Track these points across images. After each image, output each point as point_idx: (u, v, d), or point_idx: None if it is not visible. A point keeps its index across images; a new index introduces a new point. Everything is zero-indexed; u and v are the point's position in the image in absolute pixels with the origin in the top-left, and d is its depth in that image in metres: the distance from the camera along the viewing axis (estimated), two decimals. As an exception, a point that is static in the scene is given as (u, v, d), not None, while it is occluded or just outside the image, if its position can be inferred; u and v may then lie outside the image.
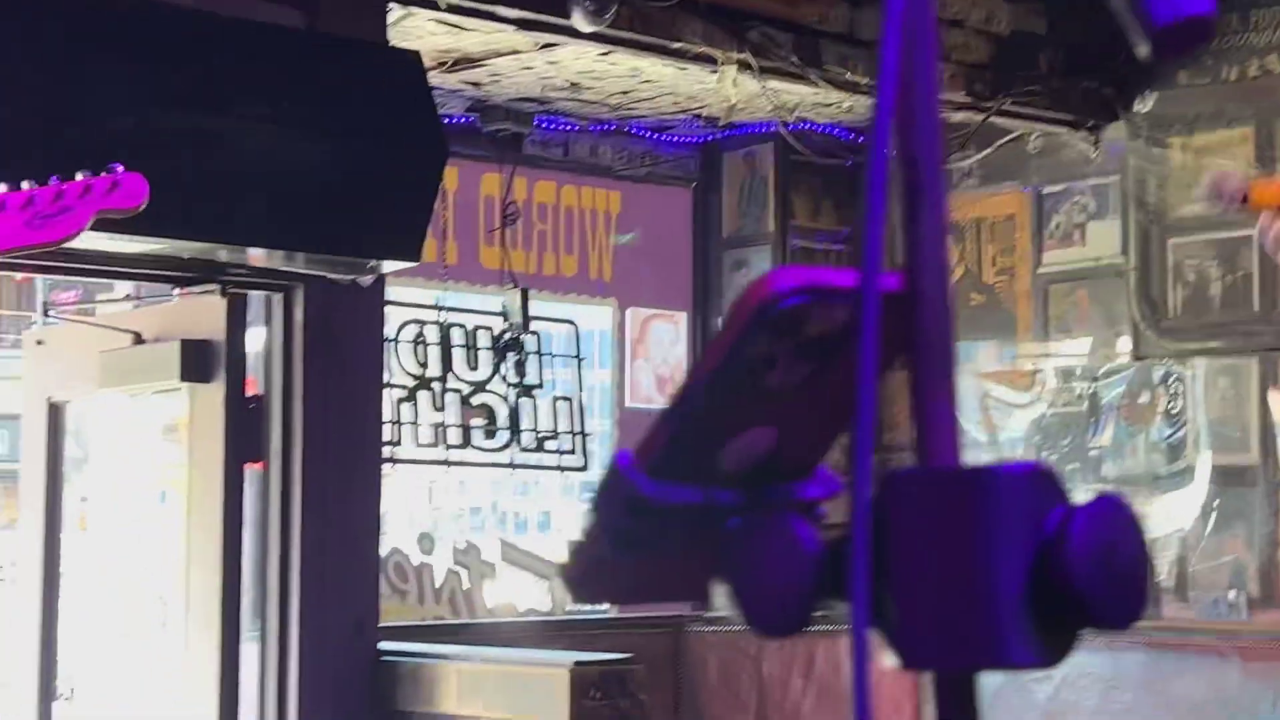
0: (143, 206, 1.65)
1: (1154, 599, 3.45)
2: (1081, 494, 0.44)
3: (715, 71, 3.10)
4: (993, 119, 3.63)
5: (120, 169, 1.65)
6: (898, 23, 0.42)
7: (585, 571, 0.57)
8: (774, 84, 3.21)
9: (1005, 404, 3.80)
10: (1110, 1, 0.47)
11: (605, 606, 3.53)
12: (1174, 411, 3.48)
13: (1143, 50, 0.47)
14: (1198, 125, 3.46)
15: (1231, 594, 3.27)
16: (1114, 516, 0.43)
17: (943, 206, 0.44)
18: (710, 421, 0.49)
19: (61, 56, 2.42)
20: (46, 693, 2.83)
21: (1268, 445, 3.34)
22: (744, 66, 3.05)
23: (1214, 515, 3.38)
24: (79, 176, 1.62)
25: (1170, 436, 3.51)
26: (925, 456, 0.43)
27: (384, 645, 2.79)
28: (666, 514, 0.49)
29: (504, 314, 3.40)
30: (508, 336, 3.35)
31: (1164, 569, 3.39)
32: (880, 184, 0.42)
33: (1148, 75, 3.51)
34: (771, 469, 0.50)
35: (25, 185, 1.60)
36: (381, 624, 2.93)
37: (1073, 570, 0.41)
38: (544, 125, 3.75)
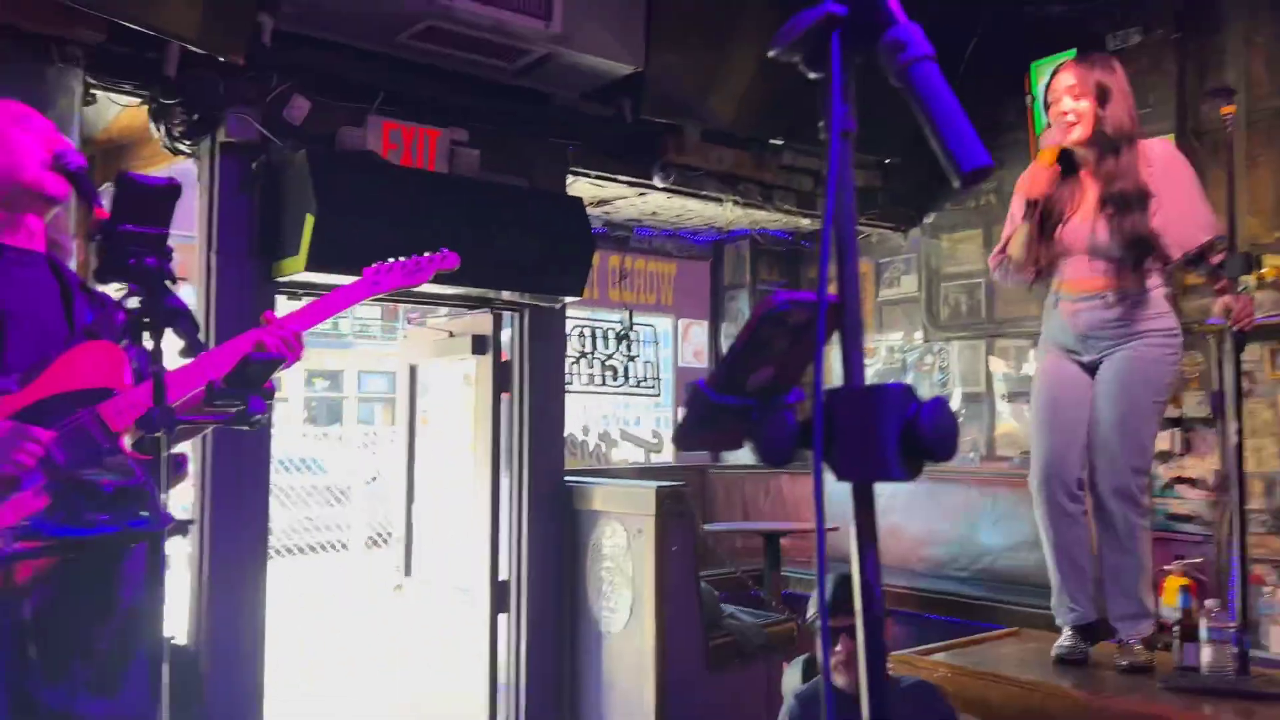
0: (457, 268, 2.25)
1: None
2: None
3: (722, 205, 4.89)
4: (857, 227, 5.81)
5: (445, 250, 2.26)
6: (835, 173, 0.77)
7: (683, 436, 0.98)
8: (750, 211, 5.07)
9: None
10: (937, 153, 0.75)
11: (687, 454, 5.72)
12: (943, 367, 5.44)
13: (954, 183, 0.75)
14: (954, 229, 5.50)
15: (971, 453, 5.41)
16: (940, 406, 0.72)
17: (855, 264, 0.75)
18: (742, 364, 0.80)
19: (415, 201, 3.61)
20: (409, 498, 4.75)
21: (989, 385, 5.26)
22: (735, 203, 4.87)
23: (962, 415, 5.45)
24: (426, 254, 2.22)
25: (941, 379, 5.49)
26: (849, 380, 0.72)
27: (567, 478, 4.36)
28: (721, 409, 0.81)
29: (621, 321, 5.67)
30: (623, 331, 5.63)
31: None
32: (826, 251, 0.75)
33: (930, 205, 5.49)
34: (772, 389, 0.80)
35: (402, 259, 2.19)
36: (565, 469, 4.50)
37: (922, 433, 0.70)
38: (639, 232, 5.96)
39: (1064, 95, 2.85)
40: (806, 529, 5.68)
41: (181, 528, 1.53)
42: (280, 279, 3.53)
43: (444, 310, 4.62)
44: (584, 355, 5.52)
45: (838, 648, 2.61)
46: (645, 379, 5.96)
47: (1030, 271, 2.99)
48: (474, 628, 4.24)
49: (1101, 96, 2.83)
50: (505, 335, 4.41)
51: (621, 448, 6.10)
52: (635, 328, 5.90)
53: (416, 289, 2.22)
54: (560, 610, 4.26)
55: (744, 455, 6.21)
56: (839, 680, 2.64)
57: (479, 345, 4.38)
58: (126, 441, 1.82)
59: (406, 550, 4.80)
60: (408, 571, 4.77)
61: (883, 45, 0.72)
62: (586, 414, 6.07)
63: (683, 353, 6.41)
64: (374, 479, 13.46)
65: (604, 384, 5.62)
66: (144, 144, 3.78)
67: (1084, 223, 2.88)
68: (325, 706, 5.67)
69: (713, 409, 0.81)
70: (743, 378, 0.80)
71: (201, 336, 1.77)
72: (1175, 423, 4.55)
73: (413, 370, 4.77)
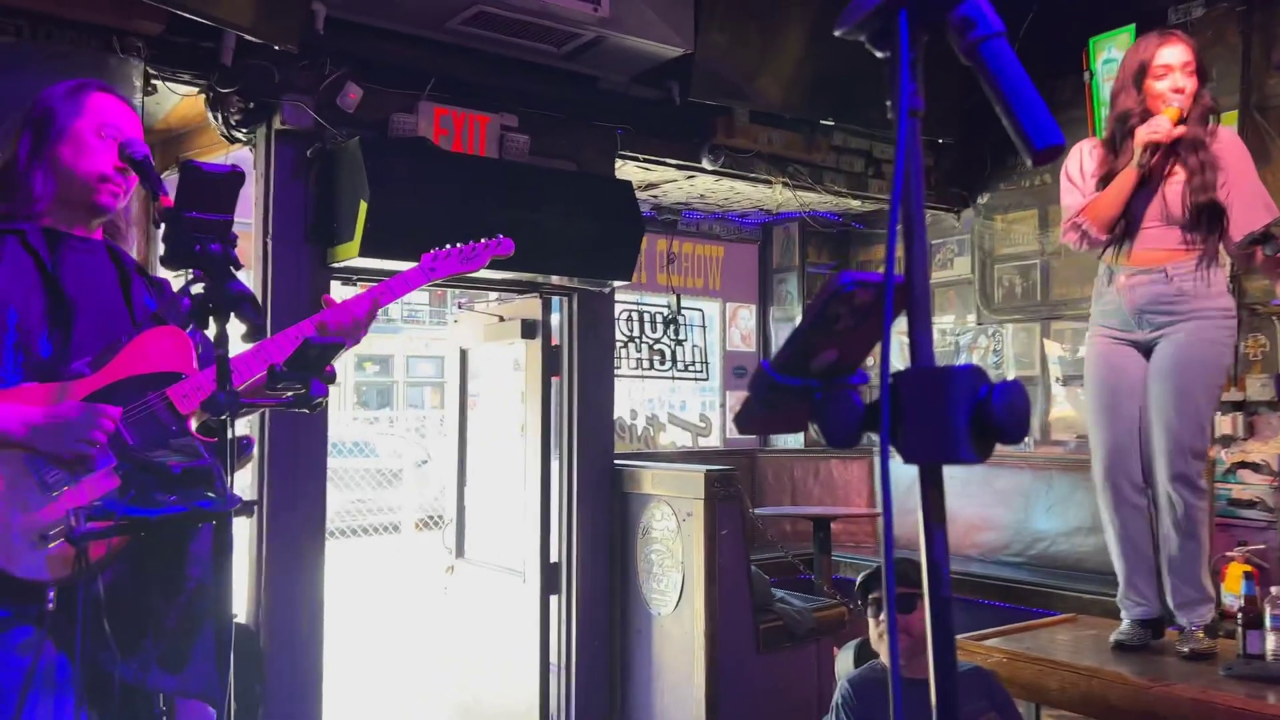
0: (511, 254, 2.31)
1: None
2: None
3: (771, 187, 4.84)
4: None
5: (501, 237, 2.31)
6: (902, 152, 0.73)
7: (746, 418, 0.85)
8: (799, 193, 4.96)
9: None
10: (1009, 130, 0.73)
11: (736, 438, 5.77)
12: (997, 349, 5.35)
13: (1027, 161, 0.73)
14: (1008, 210, 5.38)
15: (1027, 440, 5.31)
16: (1012, 389, 0.71)
17: (923, 244, 0.71)
18: (806, 345, 0.78)
19: (466, 187, 3.62)
20: (461, 481, 4.79)
21: (1044, 368, 5.20)
22: (785, 185, 4.81)
23: None
24: (482, 240, 2.28)
25: (995, 362, 5.41)
26: (916, 361, 0.72)
27: (616, 462, 4.38)
28: (785, 389, 0.80)
29: (669, 305, 5.67)
30: (670, 316, 5.63)
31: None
32: (894, 230, 0.70)
33: (983, 186, 5.39)
34: (835, 370, 0.80)
35: (459, 245, 2.25)
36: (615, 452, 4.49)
37: (994, 415, 0.69)
38: (687, 215, 5.94)
39: (1177, 71, 2.84)
40: (858, 514, 5.66)
41: (248, 508, 1.56)
42: (335, 265, 3.58)
43: (493, 295, 4.62)
44: (632, 339, 5.54)
45: (882, 618, 2.61)
46: (693, 363, 5.97)
47: (1107, 234, 2.94)
48: (525, 608, 4.29)
49: (1203, 75, 2.86)
50: (554, 319, 4.44)
51: (669, 431, 6.11)
52: (683, 312, 5.89)
53: (467, 275, 2.25)
54: (610, 592, 4.30)
55: (793, 439, 6.18)
56: (886, 659, 2.66)
57: (528, 330, 4.41)
58: (193, 424, 1.86)
59: (459, 532, 4.86)
60: (459, 553, 4.84)
61: (952, 22, 0.71)
62: (633, 398, 6.07)
63: (730, 337, 6.40)
64: (424, 462, 13.64)
65: (651, 368, 5.64)
66: (201, 132, 3.85)
67: (1154, 192, 2.87)
68: (380, 684, 5.78)
69: (776, 390, 0.80)
70: (807, 359, 0.80)
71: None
72: (1238, 406, 4.45)
73: (463, 354, 4.82)
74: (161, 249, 1.64)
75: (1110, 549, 3.05)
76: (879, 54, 0.75)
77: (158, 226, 1.88)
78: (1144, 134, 2.85)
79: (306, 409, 1.76)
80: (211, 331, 1.63)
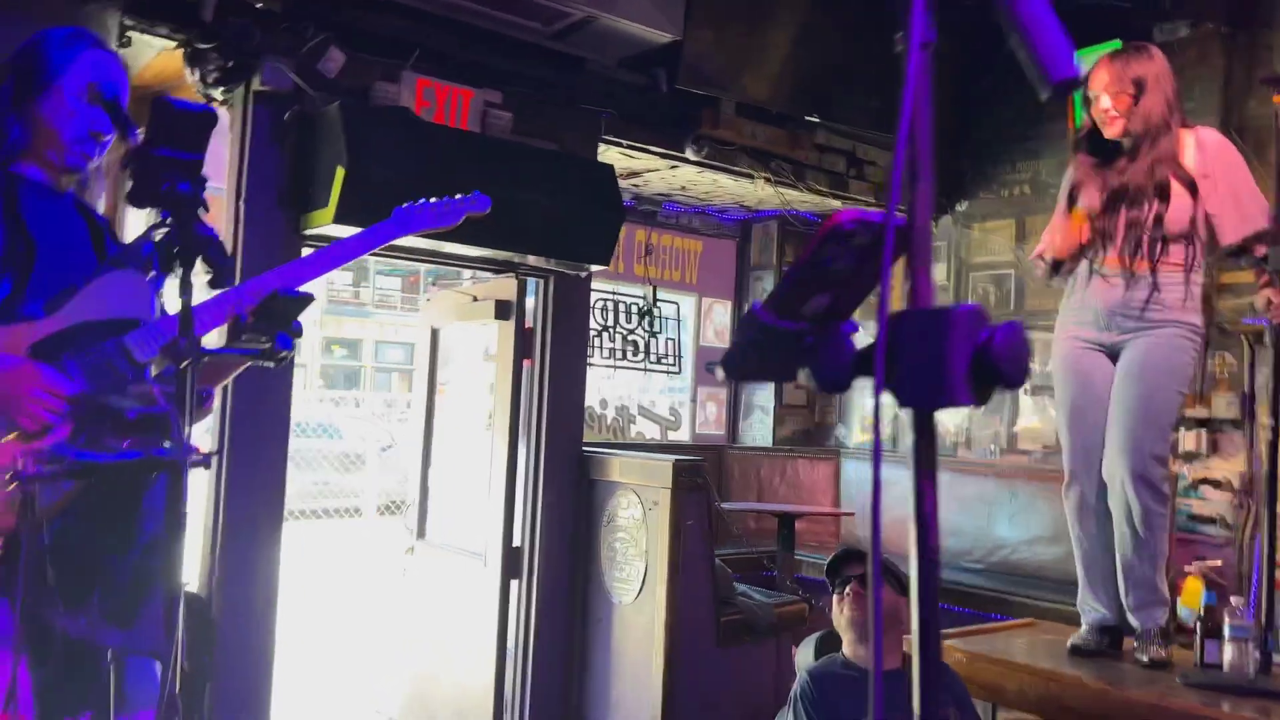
0: (488, 211, 2.28)
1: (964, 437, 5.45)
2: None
3: (753, 182, 4.80)
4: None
5: (477, 193, 2.29)
6: (912, 85, 0.73)
7: (734, 361, 0.88)
8: (781, 190, 4.94)
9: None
10: (1024, 65, 0.72)
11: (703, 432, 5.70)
12: None
13: (1041, 94, 0.74)
14: (985, 218, 5.43)
15: (991, 446, 5.36)
16: (1014, 330, 0.70)
17: (928, 185, 0.74)
18: (800, 288, 0.79)
19: (446, 159, 3.46)
20: (425, 462, 4.68)
21: None
22: (767, 180, 4.77)
23: (983, 409, 5.43)
24: (458, 196, 2.25)
25: None
26: (915, 303, 0.72)
27: (584, 448, 4.32)
28: (776, 334, 0.80)
29: (644, 297, 5.64)
30: (645, 307, 5.59)
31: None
32: (899, 168, 0.73)
33: (961, 194, 5.43)
34: (827, 316, 0.80)
35: (433, 199, 2.20)
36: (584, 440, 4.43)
37: (994, 358, 0.68)
38: (667, 207, 5.88)
39: (1102, 93, 2.87)
40: (823, 512, 5.66)
41: (205, 460, 1.51)
42: (308, 231, 3.51)
43: (468, 276, 4.56)
44: (606, 329, 5.50)
45: (846, 591, 2.61)
46: (666, 356, 5.94)
47: (1070, 261, 3.00)
48: (485, 592, 4.23)
49: (1138, 90, 2.84)
50: (529, 303, 4.40)
51: (639, 423, 6.08)
52: (658, 304, 5.86)
53: (442, 250, 2.19)
54: (572, 579, 4.26)
55: (761, 437, 6.16)
56: (848, 648, 2.65)
57: (502, 310, 4.33)
58: (151, 373, 1.80)
59: (420, 513, 4.80)
60: (420, 534, 4.78)
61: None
62: (604, 389, 6.03)
63: (704, 332, 6.38)
64: (388, 447, 13.52)
65: (624, 358, 5.60)
66: (177, 90, 3.76)
67: (1135, 205, 2.88)
68: (335, 663, 5.71)
69: (767, 333, 0.77)
70: (799, 303, 0.77)
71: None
72: (1203, 424, 4.49)
73: (434, 333, 4.76)
74: (129, 186, 1.58)
75: (1075, 552, 3.05)
76: (891, -14, 0.72)
77: (125, 169, 1.82)
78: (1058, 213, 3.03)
79: (271, 363, 1.71)
80: (178, 274, 1.57)
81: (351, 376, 24.61)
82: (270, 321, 1.69)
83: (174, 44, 3.38)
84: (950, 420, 5.74)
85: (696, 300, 6.30)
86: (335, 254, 1.94)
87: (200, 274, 1.60)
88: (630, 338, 5.63)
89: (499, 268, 4.26)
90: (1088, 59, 4.94)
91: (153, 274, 1.91)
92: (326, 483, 12.68)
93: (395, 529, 11.43)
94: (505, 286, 4.36)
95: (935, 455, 0.71)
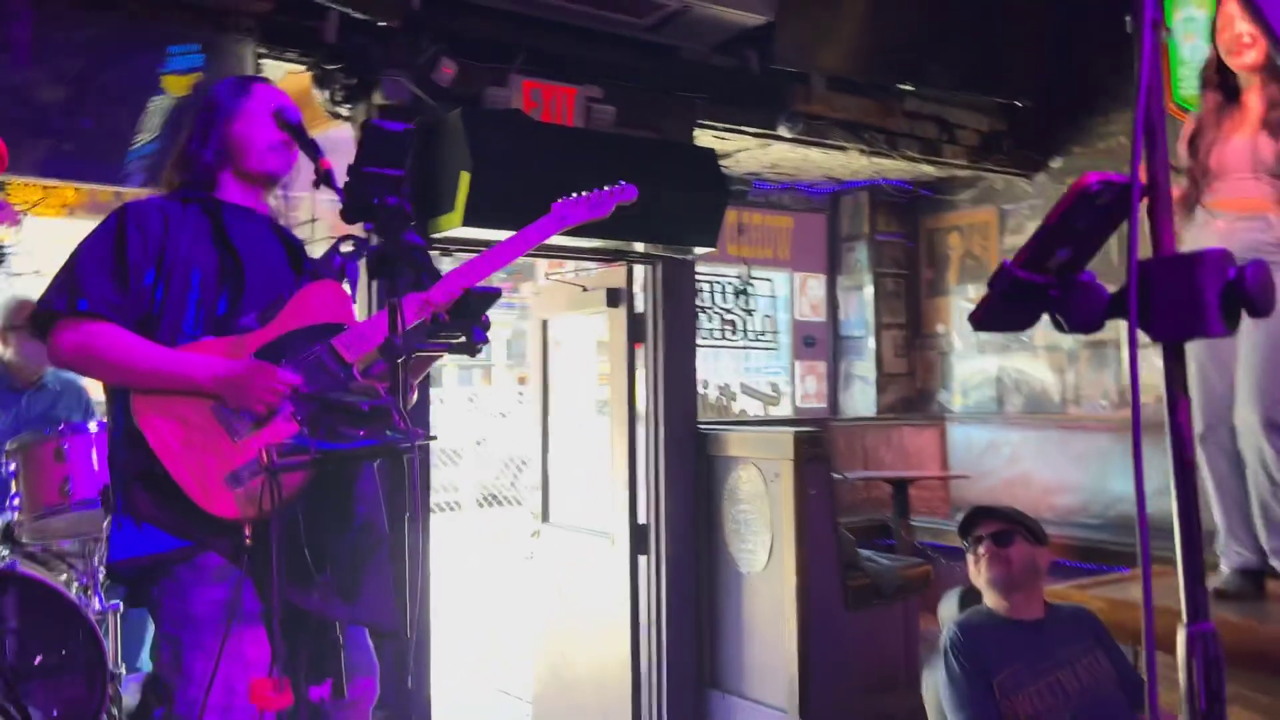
0: (635, 199, 2.35)
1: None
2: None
3: (846, 154, 4.92)
4: (980, 173, 5.54)
5: (624, 183, 2.36)
6: (1147, 64, 0.85)
7: (985, 313, 0.94)
8: (874, 160, 5.06)
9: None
10: (1264, 32, 0.86)
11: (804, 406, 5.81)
12: None
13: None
14: (1081, 174, 5.47)
15: (1102, 400, 5.33)
16: (1261, 267, 0.79)
17: (1164, 149, 0.83)
18: (1048, 243, 0.88)
19: (559, 157, 3.67)
20: (545, 448, 5.10)
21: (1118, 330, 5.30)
22: (861, 152, 4.88)
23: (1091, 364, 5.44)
24: (607, 188, 2.33)
25: None
26: (1159, 252, 0.82)
27: (700, 425, 4.44)
28: (1025, 285, 0.90)
29: (739, 276, 5.79)
30: (741, 286, 5.73)
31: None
32: (1140, 135, 0.83)
33: (1056, 150, 5.39)
34: (1067, 268, 0.90)
35: (585, 193, 2.29)
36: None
37: (1246, 289, 0.77)
38: (758, 185, 5.99)
39: (1239, 17, 2.83)
40: (937, 476, 5.71)
41: (427, 440, 1.68)
42: (436, 235, 3.68)
43: (570, 267, 4.71)
44: (703, 310, 5.60)
45: (981, 551, 2.68)
46: (763, 333, 6.03)
47: (1186, 211, 2.99)
48: (614, 570, 4.40)
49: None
50: (639, 288, 4.54)
51: (740, 400, 6.19)
52: (752, 282, 5.95)
53: (555, 244, 2.32)
54: (698, 552, 4.39)
55: (863, 407, 6.23)
56: (991, 601, 2.73)
57: (613, 298, 4.49)
58: (357, 370, 1.99)
59: (543, 498, 4.98)
60: (545, 518, 4.96)
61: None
62: (704, 368, 6.17)
63: (800, 306, 6.45)
64: (482, 441, 13.84)
65: (723, 338, 5.72)
66: (302, 109, 3.97)
67: (1247, 141, 2.86)
68: (459, 652, 5.94)
69: (1017, 285, 0.88)
70: (1045, 257, 0.88)
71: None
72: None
73: (544, 324, 4.93)
74: (339, 203, 1.76)
75: (1210, 501, 3.07)
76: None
77: (317, 188, 2.01)
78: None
79: (469, 354, 1.87)
80: (387, 279, 1.74)
81: (432, 373, 25.07)
82: (465, 318, 1.86)
83: (303, 66, 3.58)
84: (1055, 378, 5.74)
85: (789, 276, 6.37)
86: (508, 250, 2.10)
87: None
88: (728, 317, 5.74)
89: (609, 256, 4.38)
90: (1182, -2, 4.87)
91: (345, 282, 2.10)
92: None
93: (496, 520, 11.74)
94: (615, 275, 4.52)
95: (1186, 379, 0.82)
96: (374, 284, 3.27)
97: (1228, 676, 2.79)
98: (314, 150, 2.01)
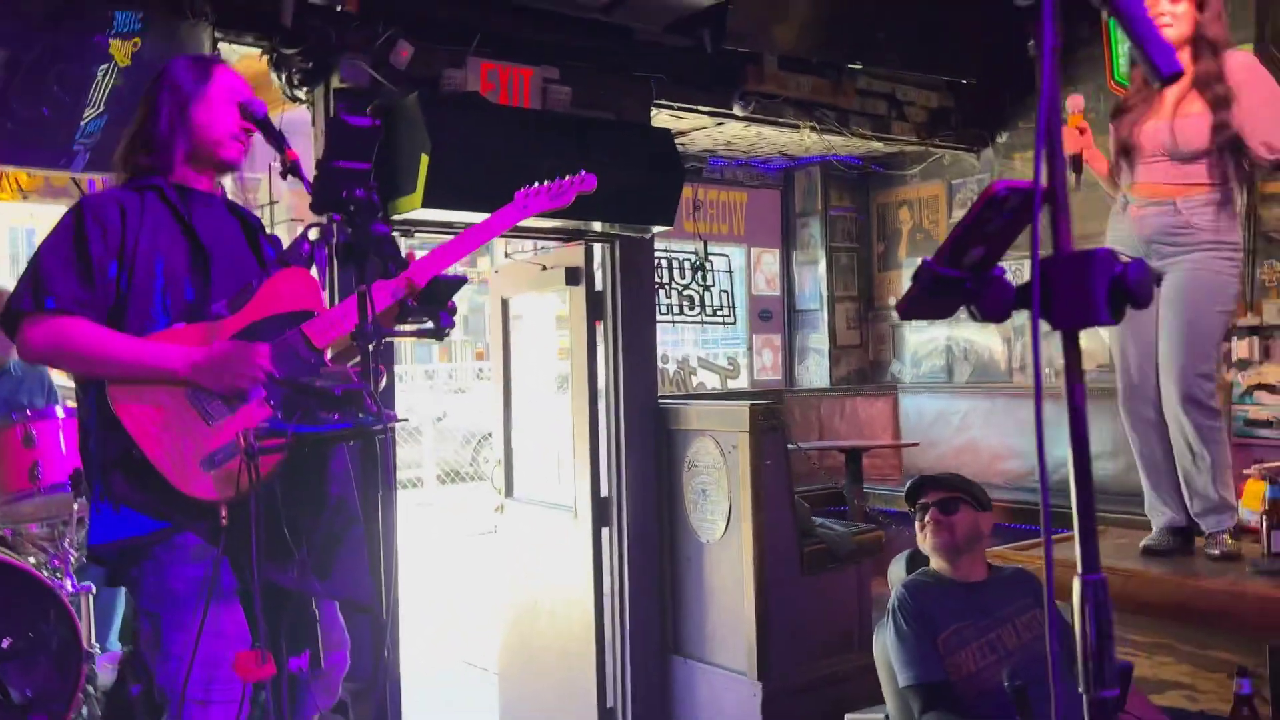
0: (595, 189, 2.43)
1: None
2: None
3: (799, 131, 4.98)
4: (929, 149, 5.65)
5: (584, 173, 2.43)
6: (1047, 86, 0.88)
7: (910, 305, 1.03)
8: (825, 137, 5.11)
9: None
10: (1140, 61, 0.89)
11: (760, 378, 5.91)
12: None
13: (1155, 84, 1.04)
14: (1027, 148, 5.52)
15: (1046, 369, 5.53)
16: (1141, 266, 0.88)
17: (1062, 158, 0.90)
18: (963, 242, 0.97)
19: (516, 138, 3.75)
20: (507, 424, 4.96)
21: None
22: (813, 129, 4.96)
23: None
24: (568, 178, 2.40)
25: None
26: (1059, 250, 0.90)
27: (659, 400, 4.53)
28: (944, 280, 0.99)
29: (696, 252, 5.90)
30: (698, 262, 5.83)
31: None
32: (1040, 145, 0.88)
33: (1002, 125, 5.55)
34: (981, 264, 0.99)
35: (546, 183, 2.35)
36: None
37: (1129, 285, 0.87)
38: (712, 162, 6.13)
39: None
40: (889, 445, 5.89)
41: (398, 422, 1.76)
42: (396, 217, 3.73)
43: (529, 246, 4.77)
44: (661, 285, 5.69)
45: (926, 518, 2.83)
46: (720, 308, 6.14)
47: (1115, 185, 3.15)
48: (577, 542, 4.51)
49: (1200, 2, 2.92)
50: (598, 266, 4.61)
51: (699, 374, 6.31)
52: (709, 257, 6.05)
53: (565, 207, 2.39)
54: (659, 523, 4.51)
55: (818, 378, 6.38)
56: (936, 564, 2.88)
57: (572, 276, 4.56)
58: (328, 355, 2.06)
59: (507, 473, 5.06)
60: (509, 493, 5.05)
61: (1091, -25, 0.89)
62: (663, 343, 6.29)
63: (755, 281, 6.58)
64: (442, 417, 13.86)
65: (681, 313, 5.83)
66: (259, 90, 3.98)
67: (1164, 124, 2.97)
68: (421, 624, 6.04)
69: (937, 280, 0.99)
70: (961, 255, 0.99)
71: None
72: (1254, 331, 4.64)
73: (504, 303, 4.98)
74: (310, 195, 1.82)
75: (1138, 463, 3.24)
76: (1021, 3, 0.93)
77: (285, 179, 2.07)
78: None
79: (436, 339, 1.95)
80: (356, 268, 1.81)
81: (384, 350, 24.88)
82: (432, 304, 1.94)
83: (259, 50, 3.60)
84: (1002, 347, 5.93)
85: (745, 251, 6.49)
86: (472, 237, 2.18)
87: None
88: (685, 293, 5.84)
89: (568, 236, 4.47)
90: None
91: (314, 269, 2.17)
92: (383, 456, 13.04)
93: (457, 496, 11.79)
94: (573, 254, 4.59)
95: (1080, 363, 0.93)
96: (335, 270, 3.31)
97: (1155, 625, 3.00)
98: (280, 142, 2.07)
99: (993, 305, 0.96)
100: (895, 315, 6.54)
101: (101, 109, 3.27)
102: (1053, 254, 0.91)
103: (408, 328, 1.98)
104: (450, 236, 3.15)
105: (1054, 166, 0.90)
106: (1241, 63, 3.00)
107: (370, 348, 1.80)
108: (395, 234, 3.73)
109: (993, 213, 0.95)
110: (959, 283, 0.99)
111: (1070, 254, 0.88)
